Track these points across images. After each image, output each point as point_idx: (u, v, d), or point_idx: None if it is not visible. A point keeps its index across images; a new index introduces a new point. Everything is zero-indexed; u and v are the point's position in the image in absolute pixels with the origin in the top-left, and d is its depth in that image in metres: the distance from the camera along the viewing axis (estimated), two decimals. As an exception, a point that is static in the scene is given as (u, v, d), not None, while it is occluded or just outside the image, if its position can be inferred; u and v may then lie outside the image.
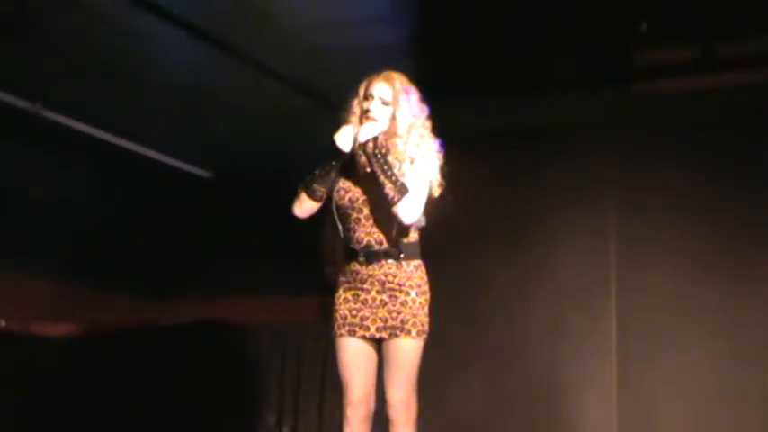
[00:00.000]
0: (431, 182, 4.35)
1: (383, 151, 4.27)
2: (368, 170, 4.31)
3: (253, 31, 6.73)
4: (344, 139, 4.31)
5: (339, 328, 4.38)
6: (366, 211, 4.32)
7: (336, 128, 4.37)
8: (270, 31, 6.73)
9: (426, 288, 4.36)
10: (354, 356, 4.35)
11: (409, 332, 4.26)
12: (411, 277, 4.32)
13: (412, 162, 4.30)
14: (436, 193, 4.38)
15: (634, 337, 6.72)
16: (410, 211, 4.23)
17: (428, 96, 4.46)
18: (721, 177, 6.65)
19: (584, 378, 6.75)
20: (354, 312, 4.34)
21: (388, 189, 4.20)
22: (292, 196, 4.49)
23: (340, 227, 4.41)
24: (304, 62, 7.12)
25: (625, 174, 6.84)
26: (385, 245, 4.31)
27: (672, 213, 6.73)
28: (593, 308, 6.80)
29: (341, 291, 4.41)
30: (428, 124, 4.42)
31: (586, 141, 6.93)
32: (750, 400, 6.43)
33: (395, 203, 4.20)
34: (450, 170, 4.41)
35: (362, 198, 4.34)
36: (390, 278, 4.30)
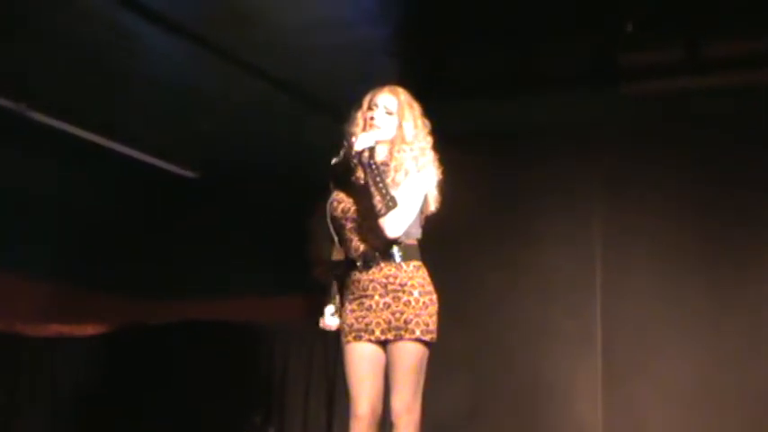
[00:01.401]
0: (426, 196, 4.37)
1: (377, 162, 4.29)
2: (361, 181, 4.33)
3: (240, 31, 6.71)
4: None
5: (346, 336, 4.37)
6: (360, 219, 4.34)
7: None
8: (257, 31, 6.71)
9: (431, 289, 4.35)
10: (361, 361, 4.33)
11: (413, 332, 4.24)
12: (413, 277, 4.31)
13: (407, 174, 4.32)
14: (433, 207, 4.41)
15: (620, 341, 6.72)
16: (395, 225, 4.25)
17: (414, 97, 4.48)
18: (708, 180, 6.66)
19: (570, 381, 6.75)
20: (360, 319, 4.33)
21: (377, 201, 4.21)
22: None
23: (335, 238, 4.43)
24: (291, 61, 7.10)
25: (611, 176, 6.85)
26: (381, 249, 4.32)
27: (658, 216, 6.74)
28: (578, 312, 6.80)
29: (346, 303, 4.41)
30: (430, 139, 4.45)
31: (572, 143, 6.93)
32: (734, 404, 6.44)
33: (381, 216, 4.22)
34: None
35: (354, 208, 4.35)
36: (392, 279, 4.30)
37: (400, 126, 4.38)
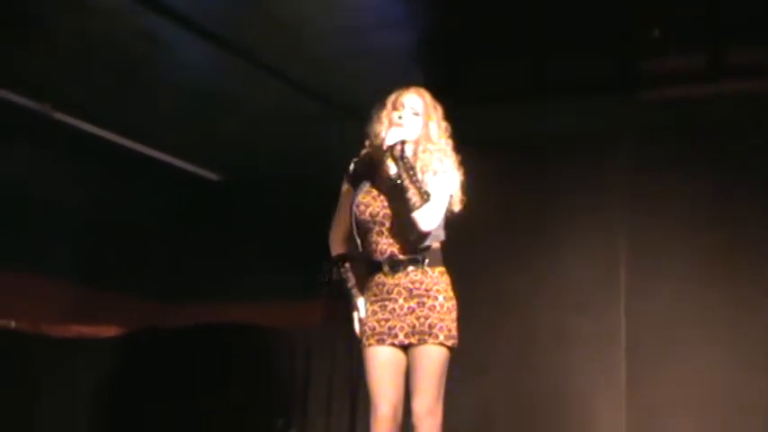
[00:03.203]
0: (452, 196, 4.39)
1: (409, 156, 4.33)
2: (390, 181, 4.33)
3: (264, 36, 6.76)
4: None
5: (368, 339, 4.36)
6: (388, 223, 4.34)
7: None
8: (281, 36, 6.75)
9: (452, 295, 4.37)
10: (384, 365, 4.33)
11: (437, 336, 4.25)
12: (437, 282, 4.33)
13: (435, 174, 4.33)
14: (457, 208, 4.42)
15: (643, 345, 6.69)
16: (429, 218, 4.26)
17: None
18: (730, 184, 6.64)
19: (593, 386, 6.73)
20: (383, 323, 4.33)
21: (411, 194, 4.22)
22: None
23: (359, 241, 4.43)
24: (314, 67, 7.14)
25: (633, 180, 6.83)
26: (408, 253, 4.33)
27: (680, 220, 6.72)
28: (602, 316, 6.78)
29: (368, 305, 4.41)
30: (450, 142, 4.47)
31: (595, 148, 6.92)
32: (758, 409, 6.40)
33: (416, 208, 4.22)
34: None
35: (384, 212, 4.35)
36: (417, 285, 4.31)
37: (426, 126, 4.39)
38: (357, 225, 4.42)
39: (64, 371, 8.53)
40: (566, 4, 6.35)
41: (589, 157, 6.92)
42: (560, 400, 6.77)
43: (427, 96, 4.46)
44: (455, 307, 4.36)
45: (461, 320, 4.38)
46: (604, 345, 6.75)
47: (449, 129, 4.49)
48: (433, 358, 4.27)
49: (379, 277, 4.37)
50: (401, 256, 4.34)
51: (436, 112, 4.45)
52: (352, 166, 4.51)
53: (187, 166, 9.39)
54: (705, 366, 6.54)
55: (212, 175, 9.70)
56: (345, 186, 4.54)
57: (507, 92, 6.97)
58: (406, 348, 4.33)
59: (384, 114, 4.44)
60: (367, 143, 4.46)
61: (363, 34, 6.62)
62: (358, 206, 4.41)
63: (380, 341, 4.34)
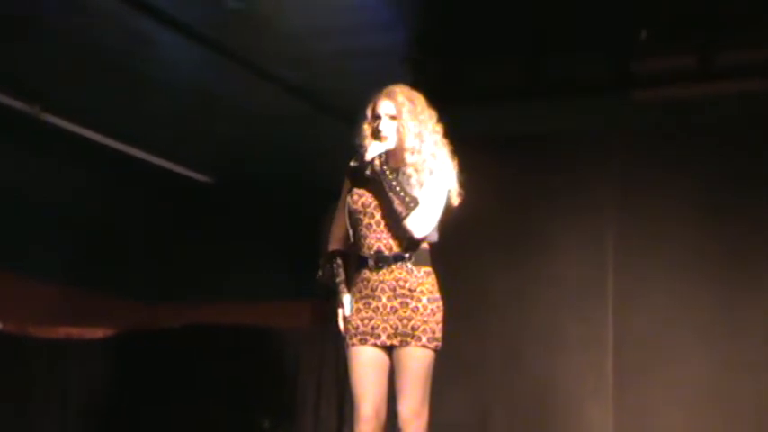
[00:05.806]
0: (449, 191, 4.35)
1: (391, 167, 4.28)
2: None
3: (254, 36, 6.75)
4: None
5: (351, 338, 4.34)
6: (378, 216, 4.31)
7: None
8: (271, 36, 6.75)
9: (438, 296, 4.32)
10: (366, 365, 4.30)
11: (419, 339, 4.22)
12: (422, 283, 4.29)
13: (431, 173, 4.29)
14: (456, 202, 4.37)
15: (631, 347, 6.70)
16: (421, 225, 4.24)
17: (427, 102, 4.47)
18: (721, 186, 6.64)
19: (580, 388, 6.73)
20: (366, 322, 4.30)
21: (397, 205, 4.20)
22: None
23: (351, 232, 4.40)
24: (305, 67, 7.13)
25: (624, 182, 6.83)
26: (395, 250, 4.29)
27: (671, 222, 6.72)
28: (590, 317, 6.78)
29: (353, 302, 4.38)
30: (439, 128, 4.40)
31: (586, 149, 6.92)
32: (746, 411, 6.41)
33: (403, 218, 4.21)
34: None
35: (375, 203, 4.32)
36: (401, 283, 4.27)
37: (405, 126, 4.30)
38: (349, 215, 4.38)
39: (52, 372, 8.51)
40: (560, 4, 6.35)
41: (581, 156, 6.92)
42: (548, 400, 6.76)
43: (400, 95, 4.36)
44: (440, 308, 4.31)
45: (449, 320, 4.36)
46: (592, 345, 6.75)
47: (434, 116, 4.40)
48: (417, 360, 4.24)
49: (365, 273, 4.33)
50: (387, 253, 4.31)
51: (413, 108, 4.34)
52: (351, 165, 4.48)
53: (177, 168, 9.38)
54: (693, 367, 6.55)
55: (202, 177, 9.68)
56: (346, 183, 4.51)
57: (500, 91, 6.97)
58: (389, 349, 4.30)
59: (366, 126, 4.40)
60: (358, 153, 4.40)
61: (354, 35, 6.62)
62: (352, 196, 4.37)
63: (363, 341, 4.30)
